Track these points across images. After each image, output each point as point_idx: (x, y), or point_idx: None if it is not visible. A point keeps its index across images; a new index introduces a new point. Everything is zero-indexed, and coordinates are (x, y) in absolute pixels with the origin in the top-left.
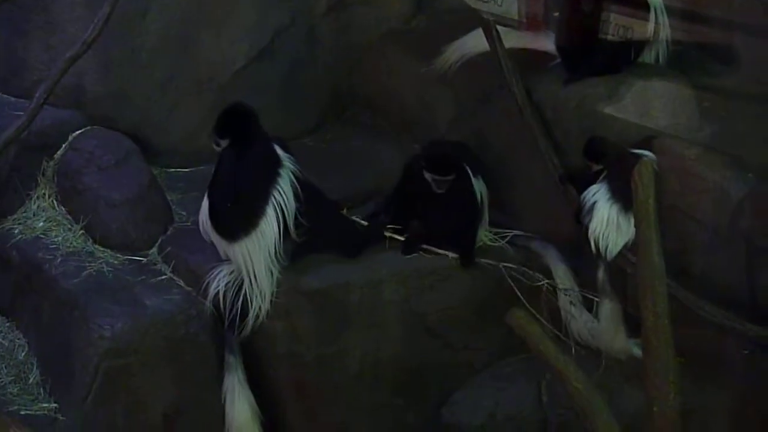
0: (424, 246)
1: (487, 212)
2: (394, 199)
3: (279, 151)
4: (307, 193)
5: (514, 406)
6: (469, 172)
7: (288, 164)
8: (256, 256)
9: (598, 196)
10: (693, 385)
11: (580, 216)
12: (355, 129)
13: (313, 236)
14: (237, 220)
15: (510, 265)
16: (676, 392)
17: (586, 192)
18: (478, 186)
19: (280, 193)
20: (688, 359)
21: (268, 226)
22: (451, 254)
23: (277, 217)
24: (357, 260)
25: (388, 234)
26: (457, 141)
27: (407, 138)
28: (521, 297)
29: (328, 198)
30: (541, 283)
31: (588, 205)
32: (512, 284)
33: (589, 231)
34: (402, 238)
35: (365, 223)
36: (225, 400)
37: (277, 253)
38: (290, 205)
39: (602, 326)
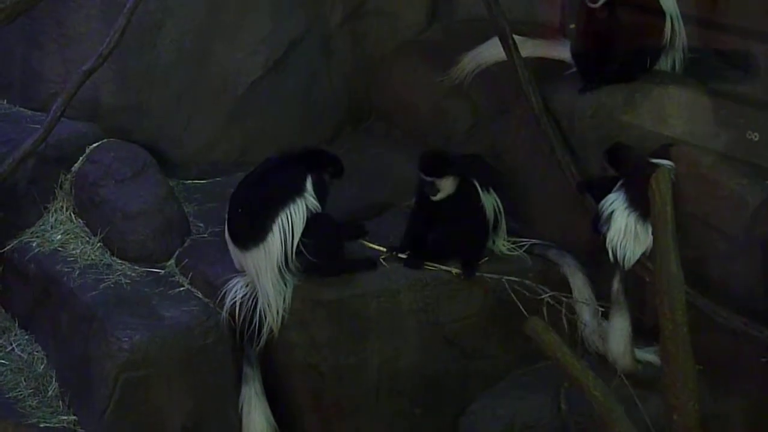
0: (427, 262)
1: (504, 222)
2: (410, 213)
3: (308, 184)
4: (320, 227)
5: (533, 415)
6: (477, 185)
7: (309, 198)
8: (264, 268)
9: (616, 205)
10: (712, 393)
11: (598, 225)
12: (371, 139)
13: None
14: (248, 230)
15: (512, 278)
16: (695, 400)
17: (603, 201)
18: (491, 199)
19: (288, 217)
20: (706, 367)
21: (274, 243)
22: (454, 270)
23: (281, 238)
24: (373, 270)
25: (369, 246)
26: (472, 153)
27: (423, 148)
28: (523, 309)
29: (342, 237)
30: (544, 296)
31: (606, 214)
32: (514, 297)
33: (607, 240)
34: (383, 249)
35: (384, 249)
36: (241, 411)
37: (282, 271)
38: (295, 233)
39: (611, 340)
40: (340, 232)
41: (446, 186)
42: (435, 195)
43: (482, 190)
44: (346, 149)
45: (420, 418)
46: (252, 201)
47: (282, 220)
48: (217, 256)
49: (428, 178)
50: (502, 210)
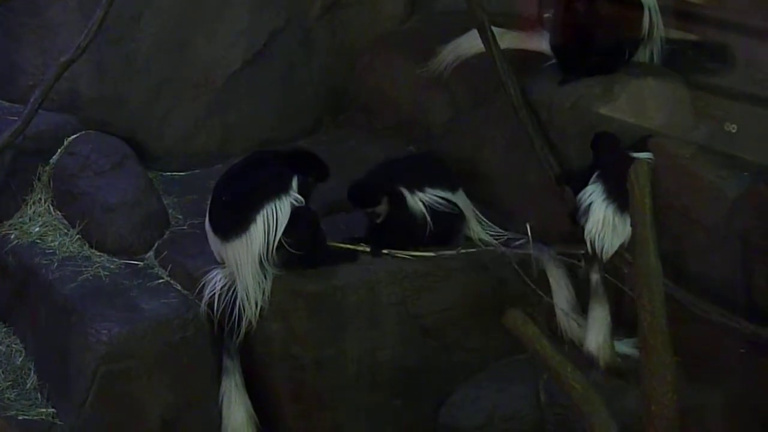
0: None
1: (472, 216)
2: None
3: (294, 184)
4: (301, 221)
5: (512, 407)
6: (404, 192)
7: (294, 195)
8: (245, 259)
9: (594, 197)
10: (690, 385)
11: (577, 217)
12: (351, 131)
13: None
14: (231, 221)
15: (491, 246)
16: (673, 391)
17: (582, 193)
18: (425, 197)
19: (272, 211)
20: (683, 358)
21: (257, 234)
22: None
23: (265, 230)
24: (353, 262)
25: (344, 246)
26: (426, 152)
27: (403, 140)
28: (523, 276)
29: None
30: (530, 251)
31: (584, 206)
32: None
33: (585, 232)
34: (361, 248)
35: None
36: (222, 403)
37: (263, 263)
38: (278, 227)
39: (589, 330)
40: (320, 226)
41: (383, 208)
42: (378, 219)
43: (411, 194)
44: (326, 140)
45: (399, 410)
46: (237, 192)
47: (267, 213)
48: (196, 249)
49: (368, 210)
50: (465, 208)
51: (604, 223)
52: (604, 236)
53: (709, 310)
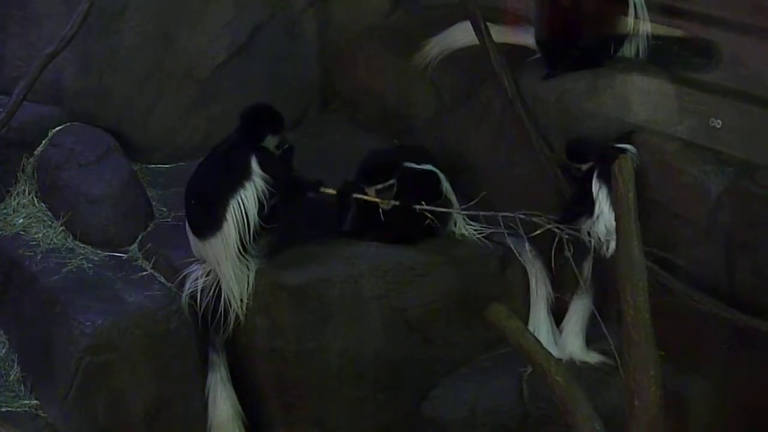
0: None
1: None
2: None
3: (254, 166)
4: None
5: (495, 401)
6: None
7: (258, 180)
8: (223, 255)
9: (598, 195)
10: (675, 377)
11: (570, 213)
12: (336, 124)
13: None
14: (204, 220)
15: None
16: (656, 386)
17: (588, 188)
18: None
19: (239, 204)
20: (671, 352)
21: (230, 231)
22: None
23: (236, 226)
24: (337, 255)
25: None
26: (414, 146)
27: (388, 133)
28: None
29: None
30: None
31: (587, 202)
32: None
33: (584, 227)
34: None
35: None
36: (207, 397)
37: (242, 257)
38: (249, 218)
39: (567, 320)
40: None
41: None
42: (388, 204)
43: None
44: (311, 133)
45: (382, 403)
46: (203, 191)
47: (233, 208)
48: (180, 241)
49: (386, 185)
50: (451, 196)
51: (603, 220)
52: (606, 233)
53: (702, 299)
